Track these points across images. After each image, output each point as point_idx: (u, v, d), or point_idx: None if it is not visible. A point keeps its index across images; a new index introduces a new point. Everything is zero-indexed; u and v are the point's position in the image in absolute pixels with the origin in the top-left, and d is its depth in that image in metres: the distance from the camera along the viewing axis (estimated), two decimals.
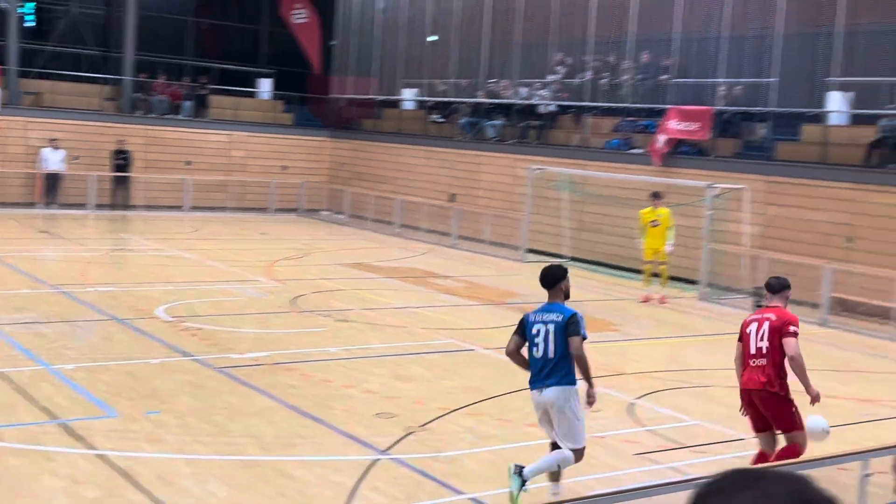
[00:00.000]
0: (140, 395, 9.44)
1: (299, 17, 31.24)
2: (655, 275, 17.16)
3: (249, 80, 31.52)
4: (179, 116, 28.56)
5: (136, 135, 27.31)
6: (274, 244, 22.35)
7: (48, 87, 27.25)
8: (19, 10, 27.30)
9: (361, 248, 22.47)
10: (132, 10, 28.25)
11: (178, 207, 27.04)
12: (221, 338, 12.13)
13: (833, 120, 18.56)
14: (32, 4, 30.18)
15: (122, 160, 26.50)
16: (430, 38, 27.54)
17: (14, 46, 26.36)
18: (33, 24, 30.74)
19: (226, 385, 9.99)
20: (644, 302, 17.05)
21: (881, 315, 15.91)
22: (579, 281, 18.96)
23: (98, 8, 30.72)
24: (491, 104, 25.44)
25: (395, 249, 22.59)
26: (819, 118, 18.59)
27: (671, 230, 16.89)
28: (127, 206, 26.61)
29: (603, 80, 22.42)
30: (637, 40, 21.83)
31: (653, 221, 16.78)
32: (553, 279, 7.57)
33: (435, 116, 27.59)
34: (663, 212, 16.84)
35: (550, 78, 23.93)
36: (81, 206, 25.67)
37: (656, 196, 17.05)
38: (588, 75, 22.78)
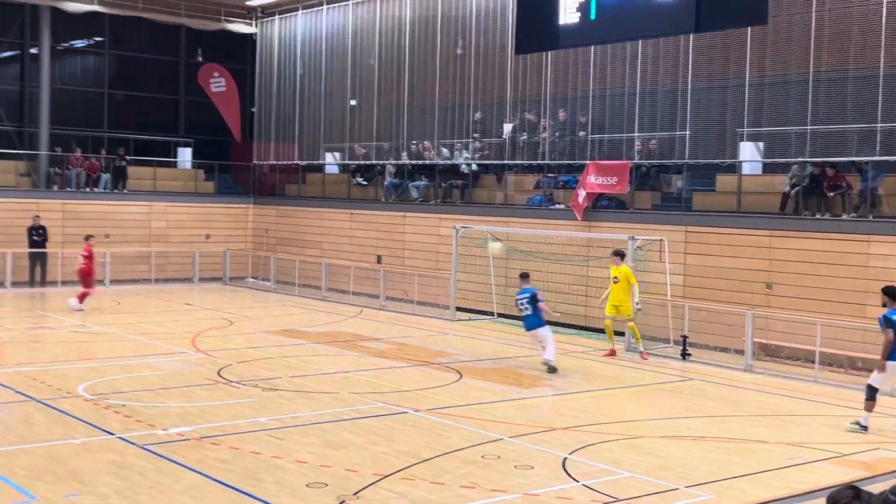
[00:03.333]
0: (60, 477, 9.10)
1: (217, 85, 31.17)
2: (618, 332, 17.45)
3: (169, 150, 31.25)
4: (97, 189, 28.11)
5: (53, 210, 26.78)
6: (199, 314, 21.98)
7: None
8: None
9: (288, 314, 22.23)
10: (45, 84, 27.91)
11: (98, 282, 26.41)
12: (146, 414, 11.81)
13: (746, 169, 19.10)
14: None
15: (38, 236, 25.91)
16: (350, 103, 27.71)
17: None
18: None
19: (151, 463, 9.69)
20: (609, 356, 17.24)
21: (804, 358, 16.26)
22: (507, 337, 19.08)
23: (11, 83, 30.23)
24: (413, 165, 25.62)
25: (322, 314, 22.41)
26: (733, 168, 19.12)
27: (635, 287, 17.09)
28: (45, 283, 25.96)
29: (522, 139, 22.78)
30: (553, 99, 22.28)
31: (614, 278, 17.13)
32: None
33: (358, 179, 27.66)
34: (624, 270, 17.16)
35: (470, 138, 24.23)
36: None
37: (617, 254, 17.41)
38: (507, 134, 23.12)
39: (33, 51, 28.93)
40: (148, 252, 27.83)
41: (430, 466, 9.86)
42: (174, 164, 31.13)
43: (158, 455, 9.96)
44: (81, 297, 21.46)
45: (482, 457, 10.30)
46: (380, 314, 22.64)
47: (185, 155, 31.28)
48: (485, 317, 21.75)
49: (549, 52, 21.20)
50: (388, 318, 21.93)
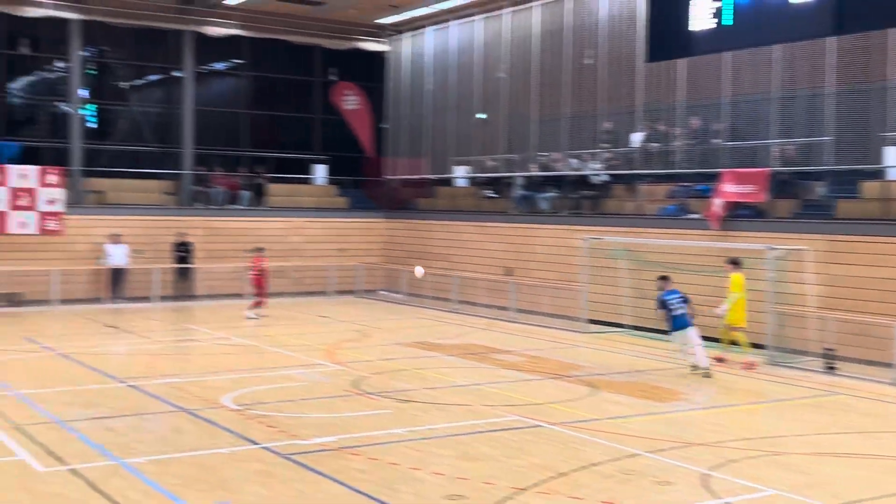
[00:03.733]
0: (210, 485, 9.48)
1: (350, 103, 31.94)
2: (756, 345, 17.32)
3: (305, 167, 32.16)
4: (238, 206, 29.19)
5: (197, 226, 27.94)
6: (334, 327, 22.50)
7: (111, 185, 28.06)
8: (81, 112, 28.29)
9: (420, 327, 22.51)
10: (189, 106, 29.16)
11: (239, 296, 27.42)
12: (288, 424, 12.17)
13: (892, 175, 18.30)
14: (94, 106, 31.27)
15: (183, 252, 27.06)
16: (479, 116, 27.92)
17: (77, 147, 27.31)
18: (95, 125, 31.82)
19: (294, 472, 9.99)
20: (747, 368, 16.98)
21: None
22: (641, 349, 18.80)
23: (156, 106, 31.73)
24: (542, 177, 25.59)
25: (453, 326, 22.59)
26: (878, 174, 18.34)
27: (733, 295, 17.05)
28: (190, 297, 27.10)
29: (653, 147, 22.45)
30: (685, 106, 21.89)
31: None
32: None
33: (487, 192, 27.81)
34: (733, 277, 17.10)
35: (600, 148, 24.04)
36: (146, 299, 26.22)
37: (731, 262, 17.40)
38: (638, 143, 22.84)
39: (177, 74, 30.30)
40: (285, 266, 28.69)
41: (568, 481, 9.82)
42: (310, 181, 32.01)
43: (301, 464, 10.25)
44: (256, 305, 23.50)
45: (619, 471, 10.20)
46: (510, 326, 22.68)
47: (320, 171, 32.14)
48: (617, 329, 21.50)
49: (682, 59, 20.85)
50: (519, 331, 21.94)
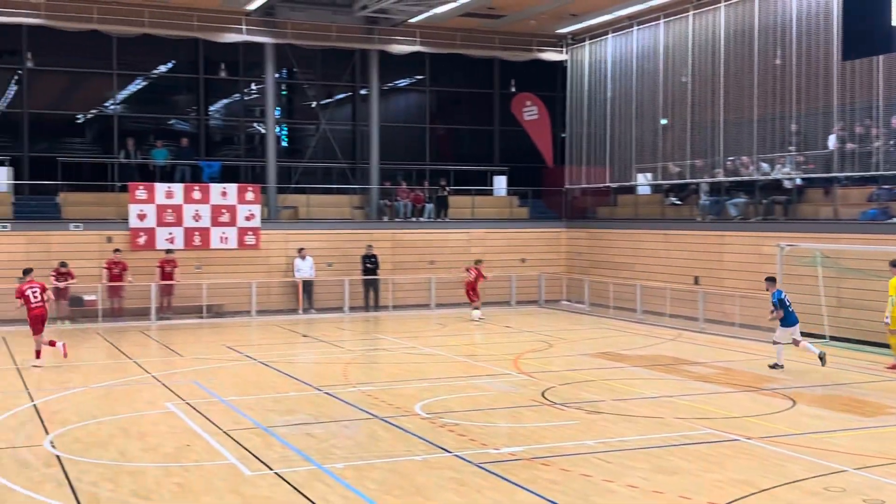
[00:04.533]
0: (406, 492, 9.70)
1: (530, 113, 32.05)
2: None
3: (485, 179, 32.49)
4: (422, 219, 29.83)
5: (384, 239, 28.74)
6: (518, 336, 22.57)
7: (303, 200, 29.28)
8: (276, 133, 29.68)
9: (605, 337, 22.25)
10: (375, 122, 30.05)
11: (425, 306, 28.03)
12: (478, 433, 12.30)
13: None
14: (286, 129, 32.89)
15: (371, 264, 27.88)
16: (661, 122, 27.39)
17: (272, 166, 28.64)
18: (287, 144, 33.34)
19: (487, 481, 10.08)
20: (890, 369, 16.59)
21: None
22: (843, 361, 17.88)
23: (344, 124, 32.87)
24: (730, 182, 24.81)
25: (639, 336, 22.22)
26: None
27: (893, 298, 16.61)
28: (378, 307, 27.88)
29: (851, 149, 21.35)
30: (886, 105, 20.71)
31: None
32: None
33: (672, 199, 27.23)
34: (891, 281, 16.63)
35: (792, 151, 23.06)
36: (337, 309, 27.19)
37: (892, 265, 16.88)
38: (834, 145, 21.77)
39: (363, 92, 31.31)
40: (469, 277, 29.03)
41: (769, 497, 9.46)
42: (490, 192, 32.31)
43: (493, 473, 10.33)
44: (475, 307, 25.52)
45: (825, 489, 9.73)
46: (699, 337, 22.09)
47: (500, 183, 32.39)
48: (815, 339, 20.53)
49: (881, 56, 19.74)
50: (708, 342, 21.33)
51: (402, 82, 34.20)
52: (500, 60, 32.09)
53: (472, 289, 25.76)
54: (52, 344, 18.17)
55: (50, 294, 18.79)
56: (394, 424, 12.77)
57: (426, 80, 33.28)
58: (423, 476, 10.28)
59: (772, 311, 17.31)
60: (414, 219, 29.79)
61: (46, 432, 12.36)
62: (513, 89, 33.08)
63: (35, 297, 18.15)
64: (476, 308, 25.62)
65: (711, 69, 25.32)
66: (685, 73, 26.29)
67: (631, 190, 29.34)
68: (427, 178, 31.51)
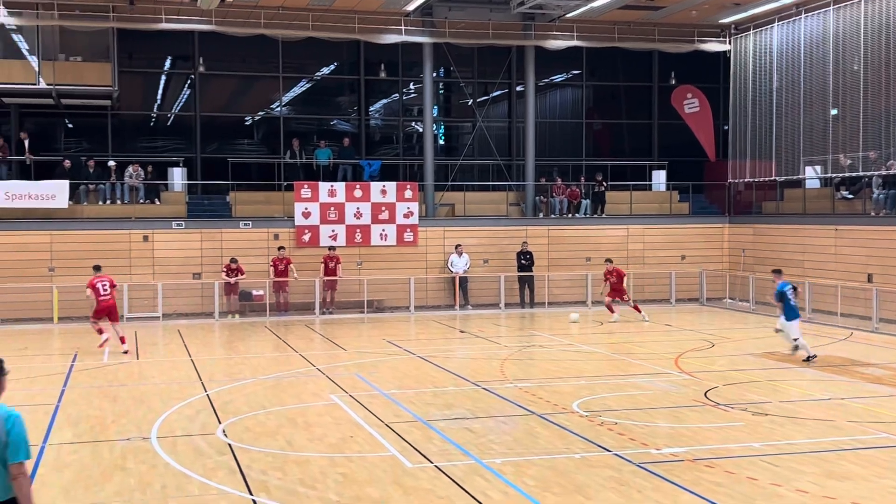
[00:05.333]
0: (566, 490, 9.65)
1: (691, 106, 31.27)
2: None
3: (643, 174, 31.93)
4: (578, 215, 29.60)
5: (539, 235, 28.68)
6: (679, 335, 22.08)
7: (460, 197, 29.56)
8: (433, 132, 30.07)
9: (770, 336, 21.45)
10: (531, 119, 30.01)
11: (580, 303, 27.80)
12: (637, 432, 12.11)
13: None
14: (443, 127, 33.31)
15: (526, 260, 27.88)
16: (832, 112, 26.18)
17: (429, 164, 29.04)
18: (444, 142, 33.75)
19: (648, 481, 9.91)
20: None
21: None
22: None
23: (500, 121, 33.00)
24: None
25: (808, 337, 21.26)
26: None
27: None
28: (533, 304, 27.85)
29: None
30: None
31: None
32: None
33: (843, 192, 26.01)
34: None
35: None
36: (493, 305, 27.34)
37: None
38: None
39: (519, 88, 31.33)
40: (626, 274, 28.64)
41: None
42: (649, 188, 31.73)
43: (654, 474, 10.15)
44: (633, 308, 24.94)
45: None
46: (872, 337, 21.03)
47: (659, 178, 31.75)
48: None
49: None
50: (883, 342, 20.27)
51: (558, 77, 34.01)
52: (659, 53, 31.46)
53: (617, 291, 24.58)
54: (100, 332, 19.65)
55: (115, 290, 20.03)
56: (552, 421, 12.72)
57: (583, 75, 32.99)
58: (583, 474, 10.20)
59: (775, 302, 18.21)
60: (570, 215, 29.60)
61: (219, 421, 12.96)
62: (672, 82, 32.39)
63: (104, 290, 19.54)
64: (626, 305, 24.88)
65: (885, 56, 24.01)
66: (857, 60, 25.03)
67: (798, 184, 28.18)
68: (583, 173, 31.22)
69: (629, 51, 30.43)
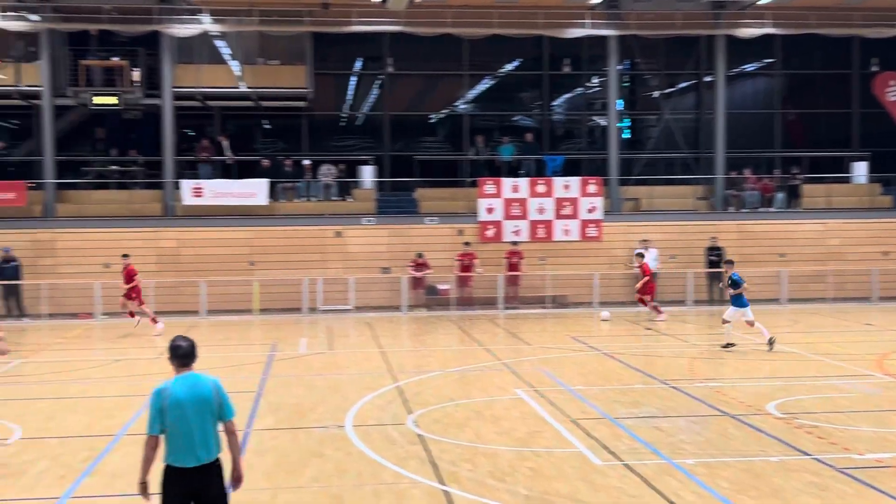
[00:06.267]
0: (762, 493, 9.33)
1: (894, 94, 29.49)
2: None
3: (842, 166, 30.36)
4: (771, 209, 28.48)
5: (729, 230, 27.79)
6: (882, 335, 20.91)
7: (644, 192, 29.05)
8: (618, 125, 29.67)
9: None
10: (720, 110, 29.10)
11: (774, 300, 26.75)
12: (838, 436, 11.55)
13: None
14: (628, 121, 32.84)
15: (715, 256, 27.08)
16: None
17: (614, 158, 28.67)
18: (629, 135, 33.25)
19: (851, 487, 9.45)
20: None
21: None
22: None
23: (688, 112, 32.19)
24: None
25: None
26: None
27: None
28: (721, 301, 26.98)
29: None
30: None
31: None
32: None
33: None
34: None
35: None
36: (680, 302, 26.72)
37: None
38: None
39: (708, 79, 30.44)
40: (823, 271, 27.33)
41: None
42: (848, 180, 30.13)
43: (857, 479, 9.67)
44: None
45: None
46: None
47: (860, 169, 30.10)
48: None
49: None
50: None
51: (750, 67, 32.83)
52: (859, 38, 29.80)
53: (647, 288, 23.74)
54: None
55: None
56: (746, 423, 12.32)
57: (777, 63, 31.70)
58: (780, 478, 9.83)
59: (728, 288, 19.18)
60: (762, 209, 28.51)
61: (409, 412, 13.29)
62: (874, 68, 30.60)
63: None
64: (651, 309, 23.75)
65: None
66: None
67: None
68: (777, 165, 30.01)
69: (827, 37, 28.95)
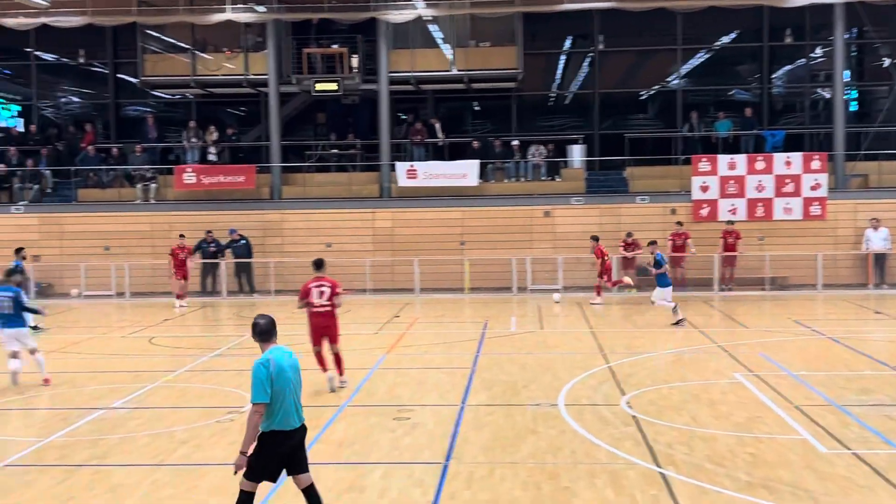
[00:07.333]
0: None
1: None
2: None
3: None
4: None
5: None
6: None
7: (874, 167, 27.32)
8: (844, 97, 28.00)
9: None
10: None
11: None
12: None
13: None
14: (855, 92, 30.90)
15: None
16: None
17: (840, 132, 27.07)
18: (856, 108, 31.32)
19: None
20: None
21: None
22: None
23: None
24: None
25: None
26: None
27: None
28: None
29: None
30: None
31: None
32: None
33: None
34: None
35: None
36: None
37: None
38: None
39: None
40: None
41: None
42: None
43: None
44: None
45: None
46: None
47: None
48: None
49: None
50: None
51: None
52: None
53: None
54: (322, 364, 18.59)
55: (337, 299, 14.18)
56: None
57: None
58: None
59: (652, 270, 19.65)
60: None
61: (622, 393, 13.18)
62: None
63: (321, 299, 13.68)
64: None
65: None
66: None
67: None
68: None
69: None
